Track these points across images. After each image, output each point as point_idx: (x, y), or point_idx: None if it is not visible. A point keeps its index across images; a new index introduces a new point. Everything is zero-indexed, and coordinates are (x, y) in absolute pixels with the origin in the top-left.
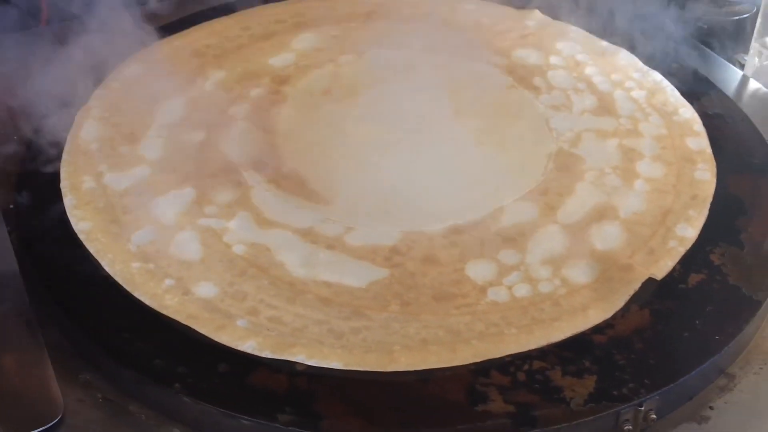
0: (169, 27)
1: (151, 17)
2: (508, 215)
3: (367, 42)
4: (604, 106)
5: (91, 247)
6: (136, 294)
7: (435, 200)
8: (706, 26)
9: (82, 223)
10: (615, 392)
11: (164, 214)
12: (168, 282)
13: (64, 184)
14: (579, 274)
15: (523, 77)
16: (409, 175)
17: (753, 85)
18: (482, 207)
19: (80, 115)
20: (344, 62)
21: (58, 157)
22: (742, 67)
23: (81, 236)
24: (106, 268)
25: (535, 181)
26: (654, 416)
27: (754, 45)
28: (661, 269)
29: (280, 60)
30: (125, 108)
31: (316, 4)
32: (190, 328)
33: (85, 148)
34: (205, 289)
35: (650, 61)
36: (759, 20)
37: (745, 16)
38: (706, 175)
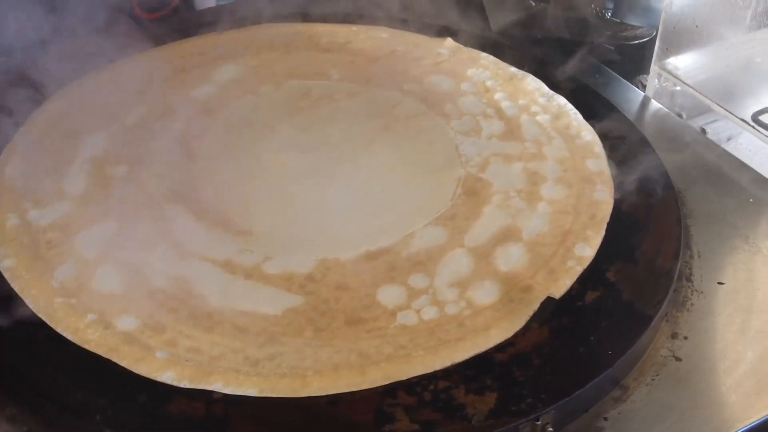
0: (91, 62)
1: (75, 52)
2: (418, 240)
3: (286, 72)
4: (511, 131)
5: (15, 285)
6: (59, 329)
7: (349, 227)
8: (612, 48)
9: (6, 260)
10: (514, 407)
11: (86, 249)
12: (90, 317)
13: None
14: (483, 295)
15: (435, 104)
16: (324, 204)
17: (653, 105)
18: (394, 233)
19: (5, 153)
20: (264, 92)
21: None
22: (644, 88)
23: (6, 274)
24: (30, 305)
25: (445, 206)
26: (551, 429)
27: (654, 68)
28: (559, 288)
29: (201, 92)
30: (49, 144)
31: (237, 35)
32: (111, 360)
33: (10, 185)
34: (126, 322)
35: (557, 85)
36: (657, 44)
37: (645, 39)
38: (604, 196)
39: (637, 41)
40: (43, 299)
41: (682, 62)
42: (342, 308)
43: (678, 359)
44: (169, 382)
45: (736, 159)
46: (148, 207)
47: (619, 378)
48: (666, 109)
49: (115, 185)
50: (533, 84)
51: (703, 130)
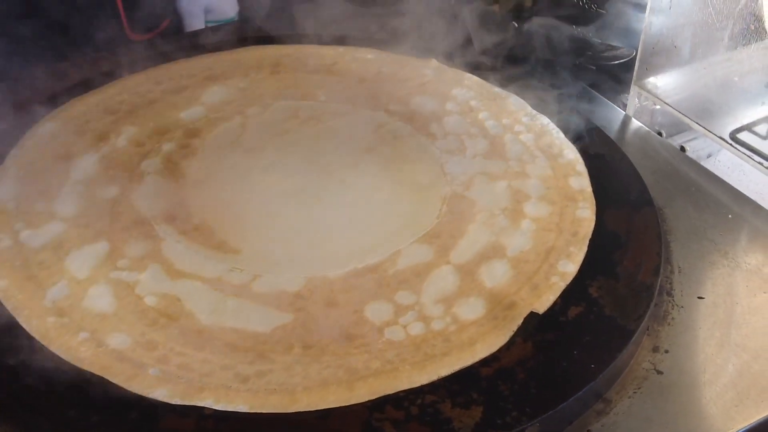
0: (83, 84)
1: (63, 74)
2: (404, 258)
3: (274, 94)
4: (495, 150)
5: (8, 305)
6: (52, 348)
7: (337, 245)
8: (593, 68)
9: None
10: (499, 421)
11: (78, 269)
12: (82, 335)
13: None
14: (468, 311)
15: (421, 124)
16: (312, 222)
17: (634, 124)
18: (381, 250)
19: None
20: (252, 114)
21: None
22: (624, 107)
23: None
24: (23, 324)
25: (431, 224)
26: None
27: (634, 87)
28: (543, 303)
29: (190, 114)
30: (40, 166)
31: (225, 57)
32: (103, 378)
33: (2, 207)
34: (118, 340)
35: (539, 104)
36: (637, 64)
37: (625, 59)
38: (586, 213)
39: (617, 61)
40: (36, 318)
41: (662, 82)
42: (330, 325)
43: (659, 372)
44: (160, 398)
45: (715, 176)
46: (138, 227)
47: (602, 391)
48: (646, 128)
49: (106, 206)
50: (516, 103)
51: (683, 148)
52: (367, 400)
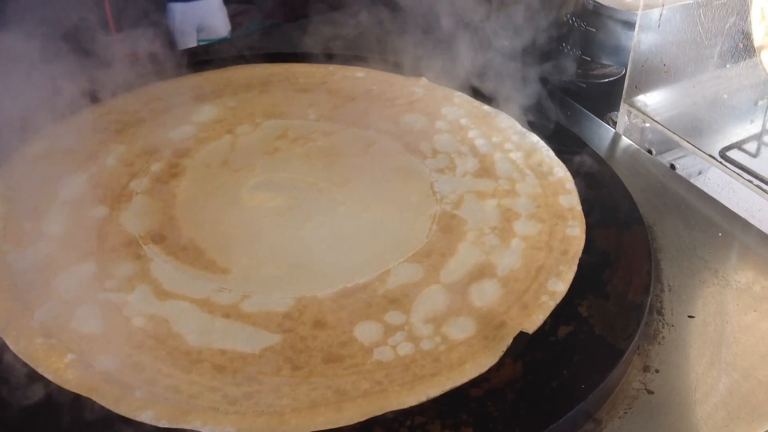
0: (71, 103)
1: (54, 93)
2: (394, 277)
3: (263, 112)
4: (485, 168)
5: None
6: (39, 370)
7: (326, 265)
8: (583, 85)
9: None
10: None
11: (66, 290)
12: (70, 356)
13: None
14: (458, 330)
15: (411, 142)
16: (301, 241)
17: (624, 141)
18: (370, 270)
19: None
20: (241, 132)
21: None
22: (614, 125)
23: None
24: (10, 346)
25: (420, 243)
26: None
27: (624, 105)
28: (533, 323)
29: (179, 133)
30: (28, 185)
31: (215, 76)
32: (90, 400)
33: None
34: (105, 362)
35: (529, 122)
36: (626, 82)
37: (615, 77)
38: (576, 231)
39: (606, 79)
40: (23, 339)
41: (651, 99)
42: (319, 346)
43: (650, 392)
44: (147, 421)
45: (705, 194)
46: (126, 247)
47: (592, 412)
48: (636, 146)
49: (94, 226)
50: (506, 122)
51: (673, 166)
52: (356, 422)
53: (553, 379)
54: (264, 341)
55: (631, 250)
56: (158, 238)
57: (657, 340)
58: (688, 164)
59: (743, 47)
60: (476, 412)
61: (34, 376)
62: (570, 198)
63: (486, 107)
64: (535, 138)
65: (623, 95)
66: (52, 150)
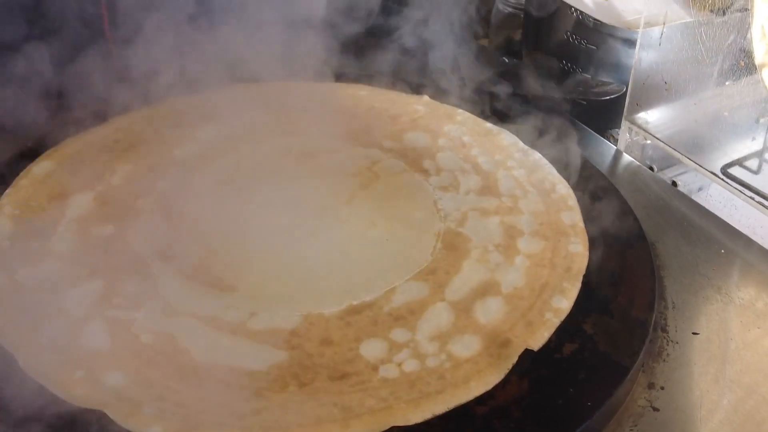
0: (77, 122)
1: (60, 113)
2: (399, 295)
3: (268, 130)
4: (488, 186)
5: (5, 343)
6: (48, 386)
7: (332, 283)
8: (584, 103)
9: None
10: None
11: (74, 307)
12: (79, 373)
13: None
14: (463, 348)
15: (414, 160)
16: (307, 259)
17: (625, 158)
18: (376, 288)
19: None
20: (245, 151)
21: None
22: (615, 142)
23: None
24: (20, 363)
25: (425, 261)
26: None
27: (625, 122)
28: (537, 341)
29: (185, 151)
30: (36, 205)
31: (219, 95)
32: (101, 416)
33: None
34: (114, 378)
35: (531, 139)
36: (627, 99)
37: (616, 95)
38: (578, 248)
39: (608, 97)
40: (32, 356)
41: (652, 117)
42: (326, 363)
43: (655, 409)
44: None
45: (707, 210)
46: (134, 265)
47: (598, 429)
48: (637, 162)
49: (102, 244)
50: (509, 139)
51: (674, 183)
52: None
53: (559, 397)
54: (271, 358)
55: (635, 267)
56: (165, 256)
57: (662, 357)
58: (689, 181)
59: (744, 65)
60: (482, 429)
61: (44, 393)
62: (572, 215)
63: (488, 124)
64: (537, 155)
65: (624, 112)
66: (58, 169)
